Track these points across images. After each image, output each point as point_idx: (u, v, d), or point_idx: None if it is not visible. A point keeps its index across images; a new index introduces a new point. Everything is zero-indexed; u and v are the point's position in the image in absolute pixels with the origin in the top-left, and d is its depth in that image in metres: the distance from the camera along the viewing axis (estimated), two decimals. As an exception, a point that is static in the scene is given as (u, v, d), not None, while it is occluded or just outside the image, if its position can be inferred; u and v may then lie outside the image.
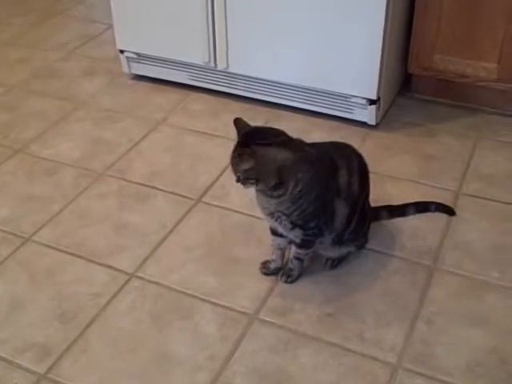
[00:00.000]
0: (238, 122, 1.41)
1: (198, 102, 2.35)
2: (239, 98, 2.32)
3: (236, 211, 1.83)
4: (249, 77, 2.27)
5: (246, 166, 1.32)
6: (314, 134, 2.11)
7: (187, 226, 1.79)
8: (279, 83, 2.23)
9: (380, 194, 1.79)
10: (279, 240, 1.58)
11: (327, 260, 1.64)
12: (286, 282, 1.59)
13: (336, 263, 1.64)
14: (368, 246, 1.67)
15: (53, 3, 3.19)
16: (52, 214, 1.84)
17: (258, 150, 1.31)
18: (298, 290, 1.59)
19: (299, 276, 1.60)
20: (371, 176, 1.58)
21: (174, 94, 2.39)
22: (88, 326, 1.50)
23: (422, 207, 1.78)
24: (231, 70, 2.27)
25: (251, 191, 1.47)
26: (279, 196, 1.39)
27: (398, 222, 1.77)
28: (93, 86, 2.47)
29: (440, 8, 2.08)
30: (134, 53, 2.41)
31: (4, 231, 1.78)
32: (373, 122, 2.16)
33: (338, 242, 1.56)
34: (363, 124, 2.17)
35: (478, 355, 1.42)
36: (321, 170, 1.43)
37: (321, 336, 1.47)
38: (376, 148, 2.08)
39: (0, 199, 1.91)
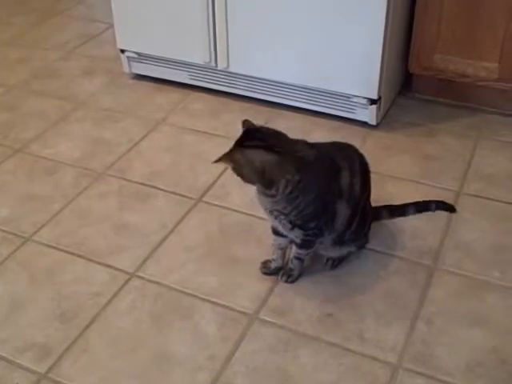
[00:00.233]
0: (244, 123, 1.43)
1: (199, 101, 2.35)
2: (240, 98, 2.32)
3: (236, 211, 1.83)
4: (249, 76, 2.27)
5: (229, 165, 1.37)
6: (315, 133, 2.10)
7: (187, 226, 1.79)
8: (280, 83, 2.23)
9: (380, 193, 1.78)
10: (280, 240, 1.58)
11: (328, 260, 1.63)
12: (286, 281, 1.59)
13: (336, 263, 1.64)
14: (368, 245, 1.67)
15: (53, 3, 3.19)
16: (52, 213, 1.84)
17: (238, 152, 1.35)
18: (299, 289, 1.58)
19: (299, 276, 1.60)
20: (372, 176, 1.58)
21: (175, 94, 2.39)
22: (88, 325, 1.50)
23: (422, 207, 1.78)
24: (232, 69, 2.27)
25: (251, 190, 1.47)
26: (273, 196, 1.41)
27: (399, 221, 1.76)
28: (93, 85, 2.47)
29: (440, 8, 2.08)
30: (134, 52, 2.41)
31: (4, 231, 1.78)
32: (373, 122, 2.16)
33: (339, 242, 1.56)
34: (364, 124, 2.17)
35: (478, 355, 1.42)
36: (320, 172, 1.44)
37: (321, 336, 1.47)
38: (376, 148, 2.08)
39: (0, 199, 1.90)
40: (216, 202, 1.87)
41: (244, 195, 1.86)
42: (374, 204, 1.64)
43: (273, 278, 1.61)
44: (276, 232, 1.56)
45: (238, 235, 1.75)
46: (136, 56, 2.42)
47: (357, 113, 2.16)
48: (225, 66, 2.26)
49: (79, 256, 1.69)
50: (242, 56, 2.22)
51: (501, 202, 1.85)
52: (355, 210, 1.51)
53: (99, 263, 1.67)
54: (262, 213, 1.55)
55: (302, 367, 1.40)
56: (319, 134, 2.12)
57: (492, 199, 1.86)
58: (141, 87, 2.45)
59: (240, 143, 1.38)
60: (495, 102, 2.22)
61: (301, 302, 1.55)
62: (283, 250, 1.60)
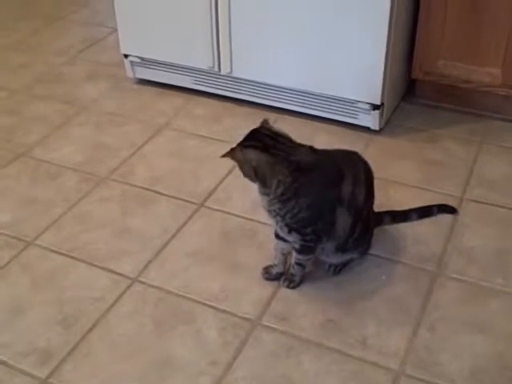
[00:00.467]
0: (263, 123, 1.47)
1: (202, 106, 2.35)
2: (243, 103, 2.32)
3: (238, 216, 1.83)
4: (253, 81, 2.27)
5: (233, 161, 1.44)
6: (318, 138, 2.10)
7: (189, 231, 1.79)
8: (283, 88, 2.23)
9: (383, 199, 1.78)
10: (282, 244, 1.57)
11: (330, 266, 1.63)
12: (287, 287, 1.59)
13: (339, 269, 1.63)
14: (371, 251, 1.67)
15: (56, 8, 3.20)
16: (54, 218, 1.84)
17: (238, 150, 1.41)
18: (301, 295, 1.58)
19: (301, 282, 1.60)
20: (374, 181, 1.58)
21: (178, 99, 2.39)
22: (90, 330, 1.50)
23: (424, 212, 1.78)
24: (235, 74, 2.27)
25: (253, 196, 1.48)
26: (267, 194, 1.44)
27: (401, 227, 1.76)
28: (96, 90, 2.47)
29: (444, 13, 2.08)
30: (137, 57, 2.42)
31: (6, 235, 1.78)
32: (376, 127, 2.16)
33: (342, 249, 1.56)
34: (367, 129, 2.17)
35: (481, 361, 1.41)
36: (317, 178, 1.44)
37: (323, 342, 1.46)
38: (379, 153, 2.08)
39: (2, 203, 1.91)
40: (218, 207, 1.87)
41: (246, 200, 1.86)
42: (376, 209, 1.64)
43: (275, 283, 1.61)
44: (278, 236, 1.56)
45: (240, 240, 1.74)
46: (139, 61, 2.42)
47: (360, 118, 2.16)
48: (228, 70, 2.26)
49: (81, 260, 1.69)
50: (245, 61, 2.22)
51: (504, 207, 1.84)
52: (357, 217, 1.51)
53: (101, 268, 1.67)
54: (264, 218, 1.55)
55: (304, 373, 1.40)
56: (322, 139, 2.11)
57: (495, 205, 1.85)
58: (144, 92, 2.45)
59: (242, 142, 1.43)
60: (498, 107, 2.22)
61: (303, 308, 1.55)
62: (285, 255, 1.60)
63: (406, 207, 1.79)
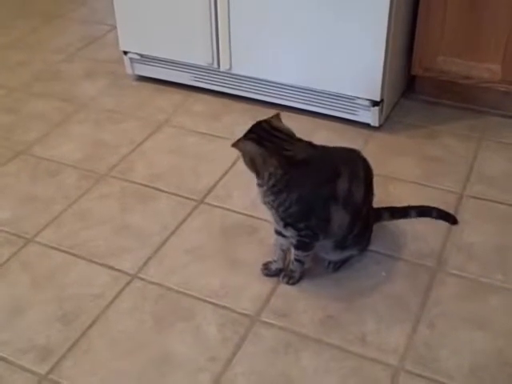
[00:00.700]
0: (274, 116, 1.50)
1: (201, 103, 2.35)
2: (242, 99, 2.32)
3: (238, 212, 1.83)
4: (252, 78, 2.26)
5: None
6: (317, 135, 2.10)
7: (189, 228, 1.79)
8: (282, 84, 2.23)
9: (382, 195, 1.78)
10: (281, 240, 1.58)
11: (329, 263, 1.63)
12: (287, 283, 1.59)
13: (338, 265, 1.63)
14: (370, 248, 1.67)
15: (55, 5, 3.19)
16: (54, 215, 1.84)
17: (240, 142, 1.45)
18: (300, 291, 1.58)
19: (301, 278, 1.60)
20: (374, 177, 1.57)
21: (177, 95, 2.39)
22: (89, 327, 1.50)
23: (423, 212, 1.78)
24: (234, 71, 2.27)
25: (253, 192, 1.48)
26: (261, 185, 1.47)
27: (401, 223, 1.76)
28: (95, 87, 2.47)
29: (443, 9, 2.07)
30: (137, 54, 2.41)
31: (6, 232, 1.78)
32: (376, 124, 2.15)
33: (341, 246, 1.56)
34: (366, 125, 2.17)
35: (481, 358, 1.41)
36: (309, 173, 1.45)
37: (322, 338, 1.46)
38: (379, 149, 2.08)
39: (2, 200, 1.91)
40: (218, 204, 1.87)
41: (246, 197, 1.86)
42: (375, 205, 1.64)
43: (274, 279, 1.61)
44: (277, 231, 1.57)
45: (240, 237, 1.74)
46: (139, 57, 2.42)
47: (359, 114, 2.16)
48: (227, 67, 2.26)
49: (81, 257, 1.69)
50: (244, 57, 2.22)
51: (503, 203, 1.84)
52: (356, 215, 1.51)
53: (101, 265, 1.67)
54: (263, 214, 1.55)
55: (303, 369, 1.40)
56: (321, 135, 2.11)
57: (495, 201, 1.85)
58: (143, 89, 2.45)
59: (245, 134, 1.47)
60: (498, 103, 2.22)
61: (302, 304, 1.55)
62: (285, 251, 1.60)
63: (405, 203, 1.79)
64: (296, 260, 1.57)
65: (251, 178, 1.50)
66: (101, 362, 1.42)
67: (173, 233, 1.77)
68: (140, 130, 2.20)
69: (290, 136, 1.47)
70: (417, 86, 2.33)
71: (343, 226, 1.50)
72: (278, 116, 1.50)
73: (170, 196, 1.90)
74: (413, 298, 1.56)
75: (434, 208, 1.79)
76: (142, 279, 1.63)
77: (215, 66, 2.28)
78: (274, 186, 1.45)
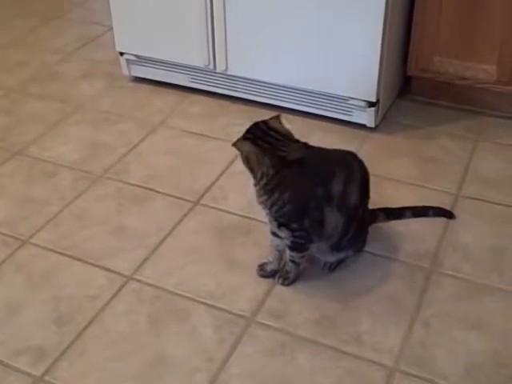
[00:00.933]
0: (274, 117, 1.51)
1: (197, 104, 2.35)
2: (238, 100, 2.32)
3: (234, 214, 1.83)
4: (248, 79, 2.27)
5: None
6: (313, 136, 2.10)
7: (185, 229, 1.79)
8: (278, 85, 2.23)
9: (378, 196, 1.78)
10: (277, 241, 1.58)
11: (325, 263, 1.63)
12: (282, 284, 1.59)
13: (334, 266, 1.63)
14: (366, 248, 1.67)
15: (53, 6, 3.19)
16: (50, 216, 1.84)
17: (238, 141, 1.47)
18: (296, 292, 1.58)
19: (296, 279, 1.60)
20: (370, 178, 1.57)
21: (173, 96, 2.39)
22: (85, 328, 1.50)
23: (419, 212, 1.78)
24: (230, 72, 2.27)
25: (249, 193, 1.48)
26: (254, 185, 1.49)
27: (396, 224, 1.76)
28: (92, 88, 2.47)
29: (439, 10, 2.08)
30: (133, 55, 2.41)
31: (2, 233, 1.78)
32: (372, 125, 2.16)
33: (336, 248, 1.56)
34: (362, 126, 2.17)
35: (476, 358, 1.41)
36: (301, 174, 1.46)
37: (318, 339, 1.46)
38: (375, 150, 2.08)
39: (-2, 201, 1.91)
40: (214, 205, 1.87)
41: (242, 198, 1.86)
42: (371, 206, 1.64)
43: (270, 280, 1.61)
44: (273, 232, 1.57)
45: (236, 238, 1.75)
46: (135, 59, 2.42)
47: (355, 115, 2.16)
48: (223, 68, 2.26)
49: (77, 259, 1.69)
50: (240, 59, 2.22)
51: (499, 204, 1.85)
52: (351, 217, 1.51)
53: (97, 266, 1.67)
54: (259, 215, 1.55)
55: (299, 370, 1.40)
56: (317, 136, 2.11)
57: (490, 202, 1.86)
58: (140, 90, 2.45)
59: (244, 134, 1.49)
60: (494, 104, 2.22)
61: (298, 305, 1.55)
62: (280, 252, 1.60)
63: (401, 204, 1.79)
64: (291, 261, 1.57)
65: (247, 179, 1.50)
66: (96, 363, 1.42)
67: (169, 234, 1.77)
68: (136, 131, 2.20)
69: (286, 137, 1.48)
70: (413, 86, 2.33)
71: (338, 228, 1.50)
72: (278, 117, 1.51)
73: (166, 197, 1.90)
74: (408, 298, 1.56)
75: (429, 207, 1.79)
76: (138, 280, 1.63)
77: (211, 67, 2.28)
78: (266, 184, 1.46)
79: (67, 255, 1.71)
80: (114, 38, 2.42)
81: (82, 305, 1.56)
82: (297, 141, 1.49)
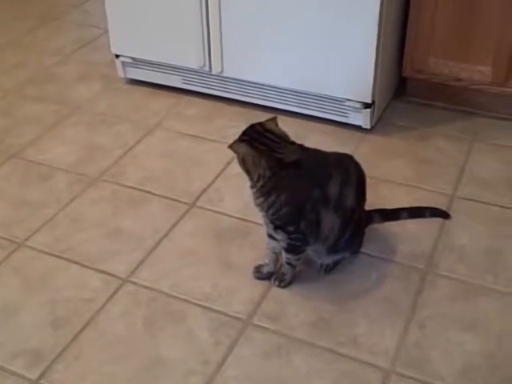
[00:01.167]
0: (270, 119, 1.52)
1: (193, 106, 2.35)
2: (234, 102, 2.32)
3: (230, 216, 1.83)
4: (243, 81, 2.27)
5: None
6: (309, 137, 2.09)
7: (181, 231, 1.79)
8: (274, 87, 2.23)
9: (374, 197, 1.78)
10: (273, 243, 1.58)
11: (321, 265, 1.63)
12: (278, 286, 1.59)
13: (330, 268, 1.64)
14: (362, 250, 1.67)
15: (50, 8, 3.19)
16: (46, 219, 1.84)
17: (234, 143, 1.47)
18: (292, 294, 1.58)
19: (292, 281, 1.60)
20: (366, 180, 1.58)
21: (169, 99, 2.39)
22: (81, 331, 1.50)
23: (415, 213, 1.78)
24: (226, 74, 2.27)
25: (245, 195, 1.48)
26: (251, 187, 1.49)
27: (392, 225, 1.76)
28: (88, 90, 2.47)
29: (434, 11, 2.08)
30: (129, 57, 2.41)
31: (-2, 236, 1.78)
32: (367, 126, 2.16)
33: (333, 250, 1.56)
34: (358, 128, 2.17)
35: (472, 360, 1.41)
36: (300, 176, 1.46)
37: (314, 341, 1.47)
38: (371, 152, 2.08)
39: (-6, 204, 1.91)
40: (210, 207, 1.87)
41: (238, 200, 1.86)
42: (367, 207, 1.64)
43: (266, 282, 1.61)
44: (269, 234, 1.57)
45: (232, 240, 1.75)
46: (131, 61, 2.42)
47: (351, 117, 2.16)
48: (219, 70, 2.26)
49: (72, 261, 1.69)
50: (236, 60, 2.22)
51: (495, 205, 1.85)
52: (347, 219, 1.51)
53: (92, 268, 1.67)
54: (255, 217, 1.55)
55: (295, 372, 1.40)
56: (313, 138, 2.11)
57: (486, 203, 1.86)
58: (135, 92, 2.45)
59: (240, 136, 1.49)
60: (489, 105, 2.22)
61: (294, 307, 1.55)
62: (277, 254, 1.60)
63: (397, 205, 1.79)
64: (287, 263, 1.57)
65: (243, 181, 1.50)
66: (92, 366, 1.42)
67: (165, 236, 1.77)
68: (132, 134, 2.20)
69: (282, 139, 1.48)
70: (408, 88, 2.33)
71: (334, 230, 1.51)
72: (274, 119, 1.51)
73: (162, 199, 1.90)
74: (404, 299, 1.56)
75: (425, 208, 1.80)
76: (134, 283, 1.63)
77: (207, 69, 2.28)
78: (262, 186, 1.46)
79: (63, 258, 1.70)
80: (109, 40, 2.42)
81: (78, 307, 1.56)
82: (293, 143, 1.50)
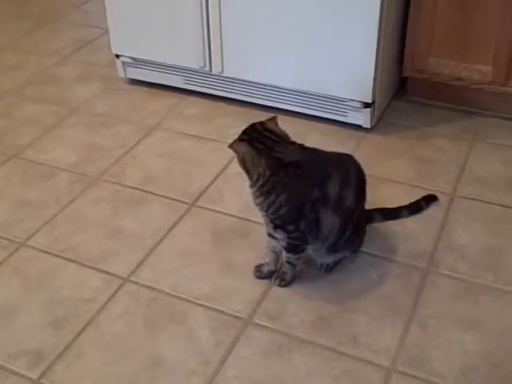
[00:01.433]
0: (270, 118, 1.52)
1: (193, 106, 2.35)
2: (234, 102, 2.32)
3: (230, 215, 1.83)
4: (244, 80, 2.27)
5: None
6: (309, 137, 2.10)
7: (181, 231, 1.79)
8: (274, 87, 2.23)
9: (375, 196, 1.78)
10: (273, 242, 1.58)
11: (321, 264, 1.63)
12: (279, 285, 1.59)
13: (330, 267, 1.63)
14: (362, 249, 1.67)
15: (49, 9, 3.19)
16: (46, 219, 1.83)
17: (234, 143, 1.47)
18: (292, 293, 1.58)
19: (293, 280, 1.60)
20: (367, 179, 1.57)
21: (169, 99, 2.39)
22: (81, 331, 1.50)
23: (414, 208, 1.79)
24: (226, 73, 2.27)
25: (245, 195, 1.48)
26: (250, 186, 1.49)
27: (393, 224, 1.76)
28: (88, 91, 2.47)
29: (434, 11, 2.08)
30: (129, 57, 2.41)
31: (-2, 236, 1.78)
32: (368, 125, 2.16)
33: (333, 249, 1.56)
34: (358, 127, 2.17)
35: (472, 359, 1.41)
36: (299, 176, 1.46)
37: (314, 340, 1.46)
38: (371, 151, 2.08)
39: (-6, 205, 1.91)
40: (210, 207, 1.87)
41: (238, 200, 1.86)
42: (367, 207, 1.64)
43: (267, 282, 1.61)
44: (269, 234, 1.57)
45: (232, 240, 1.74)
46: (131, 61, 2.42)
47: (351, 116, 2.16)
48: (219, 70, 2.26)
49: (73, 261, 1.69)
50: (236, 60, 2.23)
51: (495, 204, 1.85)
52: (347, 219, 1.51)
53: (93, 268, 1.67)
54: (256, 217, 1.55)
55: (296, 371, 1.40)
56: (314, 137, 2.11)
57: (486, 202, 1.86)
58: (135, 92, 2.45)
59: (240, 135, 1.49)
60: (489, 104, 2.22)
61: (294, 306, 1.55)
62: (277, 253, 1.60)
63: (397, 204, 1.79)
64: (287, 262, 1.57)
65: (243, 180, 1.50)
66: (93, 366, 1.42)
67: (165, 236, 1.77)
68: (132, 134, 2.20)
69: (282, 138, 1.48)
70: (408, 87, 2.33)
71: (334, 230, 1.50)
72: (274, 119, 1.51)
73: (162, 199, 1.90)
74: (405, 299, 1.56)
75: (420, 200, 1.80)
76: (135, 283, 1.63)
77: (207, 68, 2.28)
78: (262, 186, 1.46)
79: (63, 258, 1.70)
80: (109, 40, 2.42)
81: (79, 307, 1.56)
82: (293, 142, 1.50)
